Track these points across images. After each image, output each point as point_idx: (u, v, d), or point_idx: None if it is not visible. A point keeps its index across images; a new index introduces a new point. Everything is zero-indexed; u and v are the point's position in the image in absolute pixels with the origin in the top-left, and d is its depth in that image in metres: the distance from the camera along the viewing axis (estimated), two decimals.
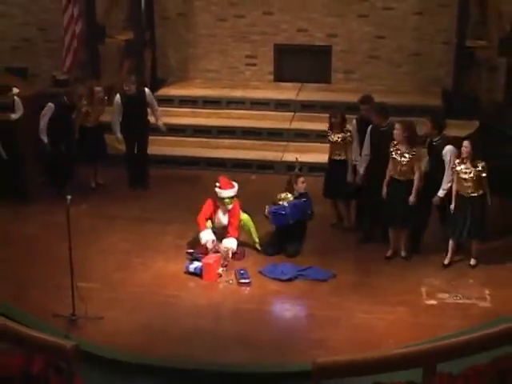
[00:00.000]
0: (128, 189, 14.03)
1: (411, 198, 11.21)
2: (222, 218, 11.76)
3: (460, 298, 10.66)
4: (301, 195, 11.77)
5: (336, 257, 11.68)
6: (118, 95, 13.76)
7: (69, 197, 10.16)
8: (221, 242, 11.56)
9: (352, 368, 8.41)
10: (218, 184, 11.74)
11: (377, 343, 9.53)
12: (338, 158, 12.31)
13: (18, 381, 8.53)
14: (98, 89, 13.98)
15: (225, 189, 11.69)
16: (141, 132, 13.94)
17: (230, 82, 16.90)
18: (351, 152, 12.17)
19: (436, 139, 11.48)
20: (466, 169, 10.88)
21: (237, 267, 11.34)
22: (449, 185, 11.18)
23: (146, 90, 14.02)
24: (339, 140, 12.21)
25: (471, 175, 10.85)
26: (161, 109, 14.32)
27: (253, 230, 11.88)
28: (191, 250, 11.60)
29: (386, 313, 10.32)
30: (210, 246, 11.50)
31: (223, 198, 11.67)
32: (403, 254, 11.64)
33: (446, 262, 11.32)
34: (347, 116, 12.44)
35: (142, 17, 16.55)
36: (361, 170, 11.96)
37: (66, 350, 8.55)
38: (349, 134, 12.17)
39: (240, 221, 11.80)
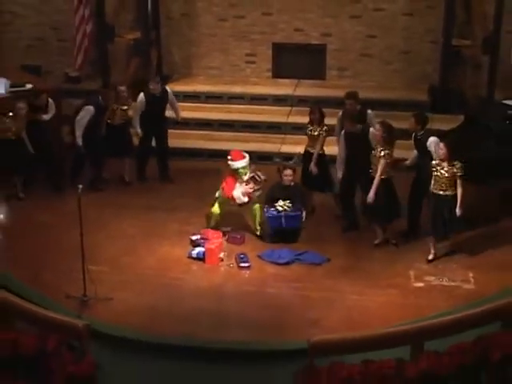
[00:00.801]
0: (135, 180, 13.91)
1: (371, 194, 11.23)
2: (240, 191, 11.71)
3: (446, 281, 10.69)
4: (293, 188, 11.69)
5: (330, 242, 11.68)
6: (142, 94, 13.53)
7: (80, 186, 10.19)
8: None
9: (345, 346, 8.45)
10: (229, 157, 11.74)
11: (368, 323, 9.55)
12: (312, 150, 12.34)
13: (34, 357, 8.55)
14: (121, 88, 13.73)
15: (236, 160, 11.68)
16: (161, 128, 13.79)
17: (230, 79, 16.87)
18: (320, 144, 12.23)
19: (420, 134, 11.49)
20: (442, 169, 10.83)
21: (237, 252, 11.35)
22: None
23: (168, 89, 13.89)
24: (316, 134, 12.27)
25: (447, 175, 10.81)
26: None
27: (258, 218, 11.83)
28: (195, 237, 11.59)
29: (377, 295, 10.35)
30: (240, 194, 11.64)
31: (237, 169, 11.66)
32: (392, 241, 11.65)
33: (431, 257, 11.19)
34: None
35: (149, 17, 16.51)
36: (339, 173, 11.94)
37: (78, 328, 8.60)
38: (325, 128, 12.22)
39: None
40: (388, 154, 11.17)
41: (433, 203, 11.03)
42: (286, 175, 11.71)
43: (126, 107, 13.64)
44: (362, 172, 11.51)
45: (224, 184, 11.78)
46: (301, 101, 15.66)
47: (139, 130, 13.61)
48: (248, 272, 11.01)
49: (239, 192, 11.64)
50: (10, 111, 12.96)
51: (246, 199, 11.65)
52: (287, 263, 11.10)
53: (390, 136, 11.29)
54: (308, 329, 9.37)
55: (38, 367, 8.52)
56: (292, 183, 11.80)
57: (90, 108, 13.14)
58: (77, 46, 16.87)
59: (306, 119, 12.79)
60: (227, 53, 17.04)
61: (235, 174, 11.70)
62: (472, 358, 8.18)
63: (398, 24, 16.28)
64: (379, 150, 11.19)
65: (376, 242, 11.61)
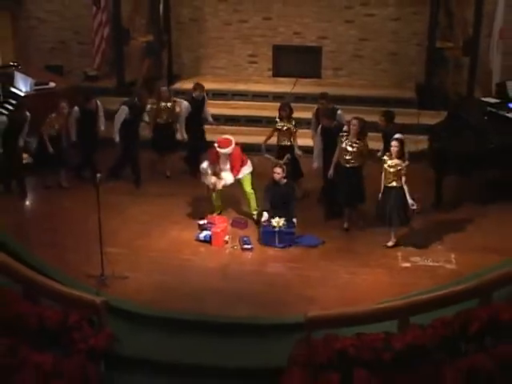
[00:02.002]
0: (148, 169, 13.74)
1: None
2: (224, 165, 11.64)
3: (430, 262, 10.67)
4: (286, 186, 11.50)
5: (324, 227, 11.66)
6: (186, 102, 13.31)
7: (98, 175, 10.18)
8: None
9: (338, 321, 8.47)
10: (216, 145, 11.63)
11: (359, 299, 9.54)
12: (283, 143, 12.41)
13: (58, 330, 8.57)
14: (163, 88, 13.64)
15: (223, 147, 11.56)
16: (202, 128, 13.68)
17: (234, 77, 16.86)
18: (295, 137, 12.40)
19: (389, 128, 11.55)
20: (392, 163, 10.75)
21: (241, 235, 11.34)
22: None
23: (205, 95, 13.70)
24: (286, 129, 12.34)
25: (394, 169, 10.73)
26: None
27: (253, 203, 11.79)
28: (202, 222, 11.58)
29: (367, 274, 10.34)
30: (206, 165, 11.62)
31: (223, 154, 11.61)
32: (360, 223, 11.66)
33: (390, 244, 11.06)
34: (336, 106, 12.55)
35: (160, 22, 16.48)
36: (316, 164, 12.00)
37: (97, 304, 8.63)
38: (294, 123, 12.37)
39: (241, 161, 11.69)
40: (362, 145, 11.30)
41: (383, 195, 11.00)
42: (277, 173, 11.47)
43: (167, 105, 13.39)
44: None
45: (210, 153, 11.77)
46: (298, 98, 15.64)
47: (185, 135, 13.37)
48: (250, 253, 11.00)
49: (206, 164, 11.65)
50: (55, 110, 12.86)
51: (210, 178, 11.58)
52: (285, 246, 11.09)
53: (364, 129, 11.36)
54: (305, 305, 9.36)
55: (61, 339, 8.56)
56: (284, 181, 11.50)
57: (125, 107, 12.96)
58: (95, 48, 16.94)
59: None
60: (232, 54, 17.04)
61: (220, 157, 11.64)
62: (453, 331, 8.20)
63: (387, 28, 16.28)
64: (353, 142, 11.26)
65: (345, 226, 11.59)
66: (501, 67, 15.12)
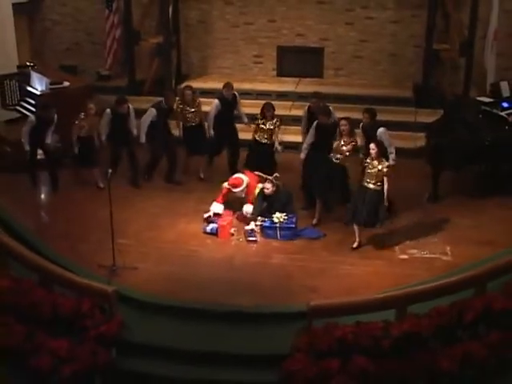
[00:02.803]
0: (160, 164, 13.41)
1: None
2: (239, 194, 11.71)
3: (426, 254, 10.64)
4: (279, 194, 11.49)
5: (326, 219, 11.62)
6: (217, 100, 13.02)
7: (109, 170, 10.17)
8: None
9: (339, 310, 8.46)
10: (227, 186, 11.61)
11: (359, 290, 9.53)
12: (264, 141, 12.39)
13: (70, 318, 8.58)
14: (188, 91, 13.10)
15: (236, 188, 11.59)
16: (233, 127, 13.27)
17: (240, 77, 16.76)
18: (276, 135, 12.46)
19: (371, 124, 11.52)
20: (372, 165, 10.61)
21: (246, 228, 11.31)
22: (392, 155, 11.24)
23: (236, 93, 13.29)
24: (267, 128, 12.34)
25: (373, 170, 10.58)
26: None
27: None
28: (208, 215, 11.56)
29: (367, 265, 10.32)
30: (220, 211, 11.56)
31: (237, 193, 11.63)
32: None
33: (355, 245, 10.84)
34: (338, 105, 12.72)
35: (170, 24, 16.43)
36: (302, 155, 11.90)
37: (108, 293, 8.64)
38: (277, 122, 12.41)
39: (254, 195, 11.60)
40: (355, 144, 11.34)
41: (357, 193, 10.89)
42: (266, 188, 11.39)
43: (192, 109, 13.02)
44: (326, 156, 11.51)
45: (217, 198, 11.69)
46: (301, 96, 15.59)
47: (212, 132, 12.93)
48: (255, 245, 10.99)
49: (249, 208, 11.56)
50: (83, 112, 12.63)
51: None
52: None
53: (353, 128, 11.36)
54: (307, 294, 9.36)
55: (74, 326, 8.56)
56: (273, 193, 11.42)
57: (153, 110, 12.73)
58: (107, 49, 16.93)
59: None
60: (238, 54, 16.99)
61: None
62: (448, 320, 8.19)
63: (386, 30, 16.23)
64: (345, 140, 11.28)
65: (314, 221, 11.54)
66: (495, 68, 15.08)
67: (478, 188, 12.33)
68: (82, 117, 12.62)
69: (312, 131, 11.86)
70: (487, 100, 13.34)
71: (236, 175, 11.86)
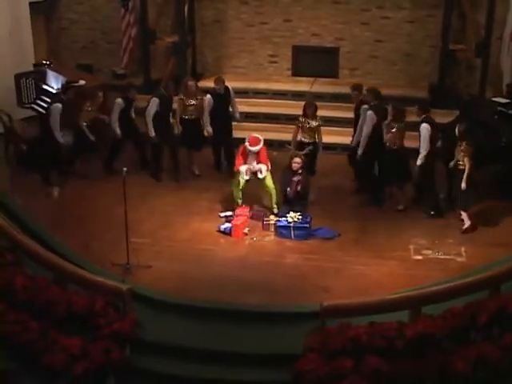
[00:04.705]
0: (168, 162, 13.43)
1: None
2: (251, 162, 11.67)
3: (441, 255, 10.61)
4: (301, 175, 11.55)
5: (341, 219, 11.58)
6: (209, 95, 13.00)
7: (125, 169, 10.18)
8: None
9: (352, 310, 8.43)
10: (247, 142, 11.65)
11: (372, 290, 9.50)
12: (304, 140, 12.24)
13: (85, 315, 8.60)
14: (191, 83, 13.13)
15: (253, 145, 11.61)
16: (227, 123, 13.31)
17: (255, 76, 16.78)
18: (320, 134, 12.34)
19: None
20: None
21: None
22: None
23: (230, 87, 13.29)
24: (308, 126, 12.20)
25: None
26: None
27: (274, 196, 11.74)
28: (223, 214, 11.56)
29: (381, 265, 10.29)
30: (244, 170, 11.58)
31: (252, 152, 11.63)
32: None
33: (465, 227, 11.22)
34: (353, 106, 12.66)
35: (185, 23, 16.44)
36: (361, 151, 12.00)
37: (122, 291, 8.65)
38: (319, 121, 12.30)
39: (268, 158, 11.74)
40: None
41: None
42: (296, 162, 11.53)
43: (193, 102, 13.04)
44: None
45: (236, 160, 11.82)
46: (316, 96, 15.50)
47: (209, 129, 13.02)
48: (269, 245, 10.97)
49: (244, 168, 11.60)
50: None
51: (247, 177, 11.60)
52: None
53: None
54: (320, 294, 9.35)
55: (88, 324, 8.58)
56: (300, 170, 11.56)
57: (155, 99, 12.75)
58: (123, 48, 16.96)
59: (320, 112, 12.67)
60: (253, 54, 16.96)
61: (248, 154, 11.66)
62: (462, 321, 8.14)
63: (401, 30, 16.15)
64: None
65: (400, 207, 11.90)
66: (511, 68, 14.98)
67: (494, 189, 12.25)
68: (88, 104, 12.87)
69: (370, 122, 11.86)
70: (503, 101, 13.25)
71: (255, 134, 11.85)
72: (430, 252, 10.67)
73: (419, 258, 10.56)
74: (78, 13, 17.44)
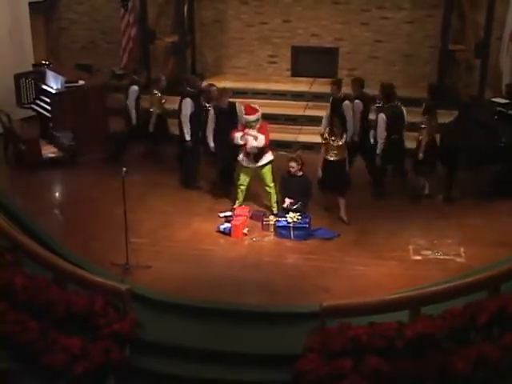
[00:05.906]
0: (173, 162, 13.36)
1: None
2: (251, 142, 11.40)
3: (440, 255, 10.60)
4: (301, 178, 11.47)
5: (340, 220, 11.59)
6: (211, 110, 12.10)
7: (124, 169, 10.18)
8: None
9: (352, 310, 8.43)
10: (243, 111, 11.52)
11: (371, 290, 9.49)
12: (333, 158, 11.47)
13: (84, 315, 8.60)
14: (213, 88, 12.78)
15: (250, 114, 11.42)
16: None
17: (255, 77, 16.80)
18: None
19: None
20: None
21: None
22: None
23: (237, 103, 12.29)
24: (336, 145, 11.48)
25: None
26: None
27: (273, 196, 11.70)
28: (223, 214, 11.56)
29: (380, 266, 10.28)
30: (239, 135, 11.43)
31: (249, 122, 11.40)
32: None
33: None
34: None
35: (185, 23, 16.45)
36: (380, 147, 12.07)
37: (122, 291, 8.65)
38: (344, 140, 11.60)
39: (269, 135, 11.49)
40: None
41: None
42: (291, 166, 11.41)
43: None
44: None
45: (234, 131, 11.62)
46: (315, 97, 15.59)
47: (212, 144, 12.19)
48: (268, 245, 10.96)
49: (239, 134, 11.47)
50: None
51: (241, 142, 11.43)
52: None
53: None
54: (319, 295, 9.34)
55: (87, 324, 8.58)
56: (300, 173, 11.45)
57: (188, 100, 12.22)
58: (122, 48, 16.93)
59: (320, 112, 12.70)
60: (252, 54, 16.99)
61: (248, 126, 11.45)
62: (462, 321, 8.14)
63: (401, 31, 16.18)
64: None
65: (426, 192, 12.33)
66: (510, 69, 14.99)
67: (493, 189, 12.26)
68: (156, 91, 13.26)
69: (383, 124, 11.98)
70: (502, 101, 13.25)
71: (253, 105, 11.72)
72: (429, 252, 10.66)
73: (419, 258, 10.55)
74: (78, 13, 17.47)
